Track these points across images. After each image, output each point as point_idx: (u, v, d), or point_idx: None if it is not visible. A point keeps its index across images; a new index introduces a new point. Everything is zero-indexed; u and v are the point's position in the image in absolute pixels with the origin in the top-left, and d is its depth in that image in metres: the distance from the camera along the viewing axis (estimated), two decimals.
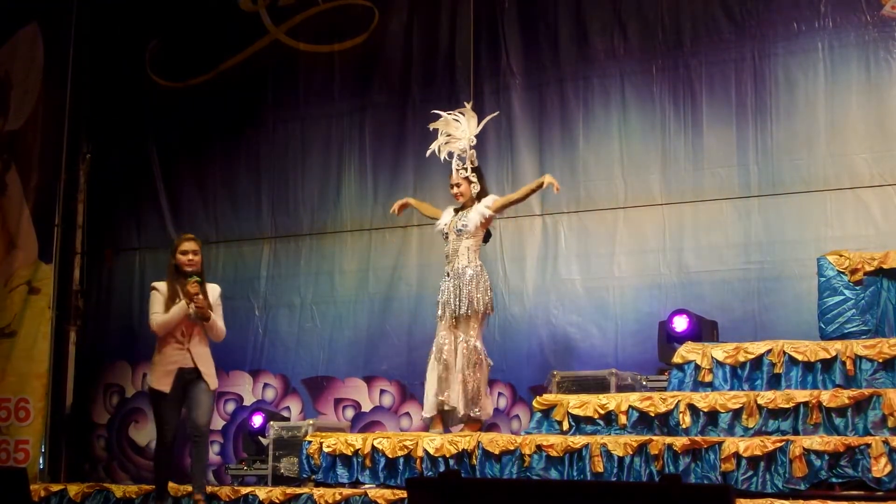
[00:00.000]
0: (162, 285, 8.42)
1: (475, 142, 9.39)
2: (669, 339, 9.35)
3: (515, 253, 10.77)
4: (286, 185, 11.98)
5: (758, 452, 7.48)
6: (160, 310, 8.30)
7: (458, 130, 9.41)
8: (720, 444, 7.62)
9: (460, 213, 9.23)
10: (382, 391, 11.17)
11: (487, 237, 9.38)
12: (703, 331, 9.34)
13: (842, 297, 8.61)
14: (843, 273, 8.63)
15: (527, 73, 11.07)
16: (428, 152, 9.57)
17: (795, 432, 7.72)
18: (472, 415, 8.92)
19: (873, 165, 9.62)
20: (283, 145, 12.09)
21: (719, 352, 8.49)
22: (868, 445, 7.23)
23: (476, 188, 9.23)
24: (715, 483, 7.39)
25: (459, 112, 9.49)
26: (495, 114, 10.12)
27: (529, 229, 10.76)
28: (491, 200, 9.21)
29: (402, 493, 8.10)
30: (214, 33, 12.61)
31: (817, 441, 7.39)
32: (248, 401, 11.74)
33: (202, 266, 8.51)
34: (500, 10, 11.23)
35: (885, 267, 8.57)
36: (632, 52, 10.69)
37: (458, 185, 9.25)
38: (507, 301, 10.65)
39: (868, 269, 8.60)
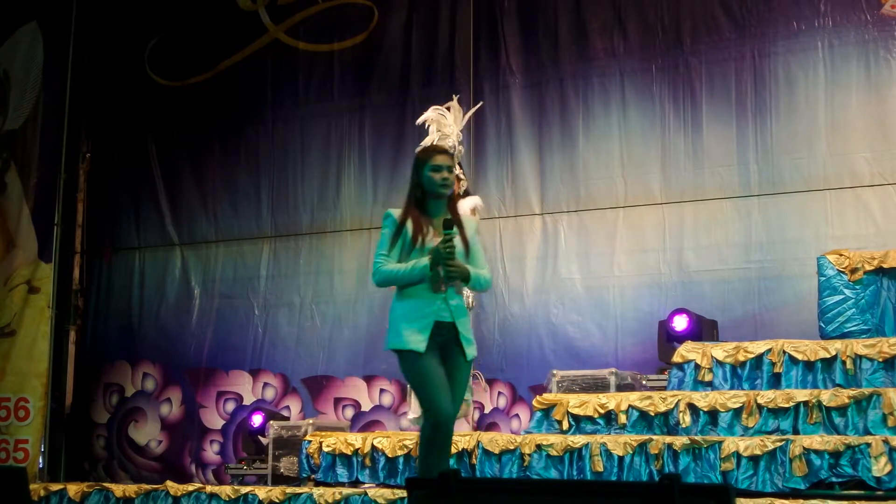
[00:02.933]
0: (395, 220, 6.13)
1: (461, 136, 9.26)
2: (669, 339, 9.35)
3: (515, 252, 10.77)
4: (286, 185, 11.98)
5: (758, 452, 7.47)
6: (390, 255, 6.09)
7: (446, 126, 9.21)
8: (720, 443, 7.61)
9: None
10: (382, 390, 11.17)
11: None
12: (703, 330, 9.33)
13: (842, 297, 8.60)
14: (843, 272, 8.62)
15: (526, 71, 11.07)
16: (418, 149, 9.33)
17: (795, 431, 7.71)
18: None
19: (873, 164, 9.62)
20: (283, 144, 12.09)
21: (719, 351, 8.48)
22: (868, 445, 7.22)
23: (465, 185, 9.04)
24: (715, 482, 7.38)
25: (446, 107, 9.39)
26: (479, 104, 10.11)
27: (529, 228, 10.76)
28: (473, 204, 8.94)
29: (402, 493, 8.09)
30: (214, 32, 12.62)
31: (817, 440, 7.38)
32: (248, 400, 11.75)
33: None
34: (499, 8, 11.23)
35: (885, 266, 8.56)
36: (631, 50, 10.68)
37: None
38: (506, 300, 10.65)
39: (868, 268, 8.59)
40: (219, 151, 12.41)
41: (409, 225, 6.05)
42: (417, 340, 5.95)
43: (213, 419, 11.91)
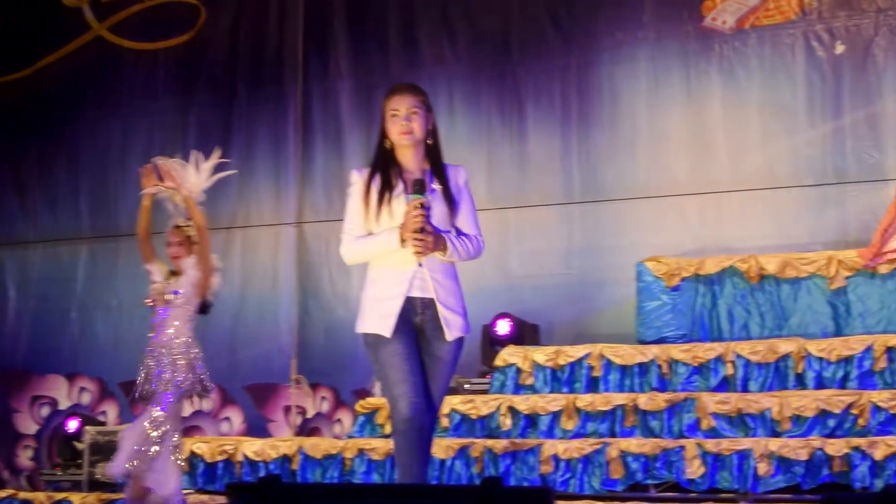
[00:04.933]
0: (359, 181, 5.11)
1: (204, 197, 7.73)
2: (492, 343, 9.43)
3: (341, 257, 10.71)
4: (106, 186, 11.72)
5: (576, 454, 7.59)
6: (357, 224, 5.15)
7: (178, 178, 7.63)
8: (540, 446, 7.70)
9: (173, 278, 7.48)
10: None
11: (205, 308, 7.52)
12: (525, 334, 9.44)
13: (659, 303, 8.80)
14: (660, 279, 8.81)
15: (356, 75, 11.05)
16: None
17: (613, 435, 7.85)
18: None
19: (692, 174, 9.85)
20: (104, 144, 11.83)
21: (540, 355, 8.59)
22: (682, 448, 7.40)
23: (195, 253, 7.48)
24: (535, 485, 7.46)
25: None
26: (232, 172, 8.36)
27: None
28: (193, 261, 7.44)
29: (222, 499, 7.99)
30: (34, 28, 12.28)
31: (634, 443, 7.52)
32: (64, 404, 11.46)
33: (435, 135, 5.12)
34: (329, 10, 11.18)
35: (701, 273, 8.79)
36: (460, 58, 10.75)
37: (174, 245, 7.53)
38: (332, 303, 10.60)
39: (685, 274, 8.81)
40: (37, 151, 12.09)
41: (377, 181, 5.02)
42: (380, 323, 4.98)
43: (27, 424, 11.59)
